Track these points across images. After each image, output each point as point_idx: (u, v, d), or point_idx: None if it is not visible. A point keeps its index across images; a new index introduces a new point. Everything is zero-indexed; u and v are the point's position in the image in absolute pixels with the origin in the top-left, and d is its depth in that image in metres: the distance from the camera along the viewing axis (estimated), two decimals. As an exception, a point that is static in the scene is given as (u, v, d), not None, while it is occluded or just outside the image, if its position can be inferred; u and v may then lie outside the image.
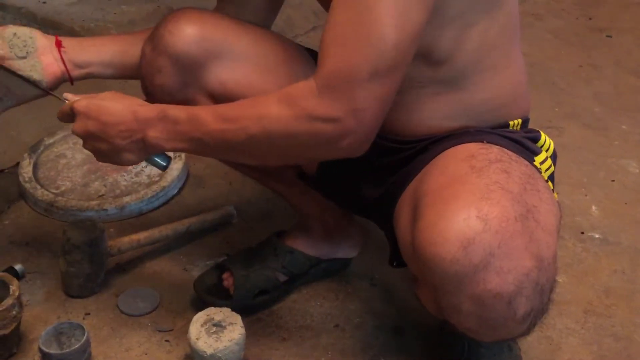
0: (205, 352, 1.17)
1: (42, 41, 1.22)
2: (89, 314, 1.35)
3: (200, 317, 1.21)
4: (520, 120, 1.15)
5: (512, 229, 0.89)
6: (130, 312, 1.35)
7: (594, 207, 1.68)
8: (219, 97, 1.17)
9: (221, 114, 1.02)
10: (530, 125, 1.20)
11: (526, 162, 1.03)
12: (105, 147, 1.09)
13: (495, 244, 0.88)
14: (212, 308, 1.23)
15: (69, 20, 2.48)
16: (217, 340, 1.18)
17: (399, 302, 1.40)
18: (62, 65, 1.23)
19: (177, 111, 1.05)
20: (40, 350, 1.18)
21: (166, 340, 1.30)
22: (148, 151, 1.09)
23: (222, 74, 1.17)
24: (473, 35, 1.04)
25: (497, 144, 1.04)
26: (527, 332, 0.99)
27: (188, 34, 1.15)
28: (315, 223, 1.39)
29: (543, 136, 1.16)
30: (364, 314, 1.37)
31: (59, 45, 1.23)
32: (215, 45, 1.16)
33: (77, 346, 1.18)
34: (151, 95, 1.21)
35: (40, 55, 1.22)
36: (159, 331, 1.32)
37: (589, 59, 2.38)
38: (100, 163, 1.70)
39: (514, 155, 1.02)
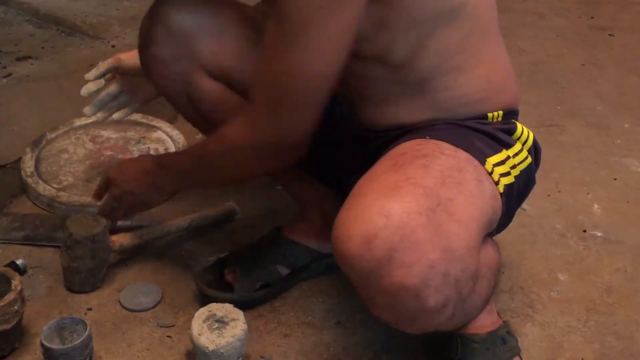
0: (207, 348, 1.17)
1: None
2: (90, 309, 1.35)
3: (202, 313, 1.21)
4: (501, 112, 1.17)
5: (414, 223, 0.91)
6: (132, 308, 1.35)
7: (596, 206, 1.68)
8: (210, 68, 1.24)
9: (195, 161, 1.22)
10: (533, 124, 1.21)
11: (465, 157, 1.05)
12: (133, 200, 1.34)
13: (396, 238, 0.90)
14: (215, 304, 1.23)
15: (71, 15, 2.48)
16: (219, 336, 1.18)
17: (401, 299, 1.40)
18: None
19: (168, 160, 1.29)
20: (42, 345, 1.18)
21: (168, 336, 1.30)
22: (164, 190, 1.31)
23: (214, 45, 1.22)
24: (430, 44, 1.08)
25: (445, 140, 1.06)
26: (452, 323, 1.01)
27: (184, 6, 1.21)
28: (314, 212, 1.40)
29: (519, 127, 1.18)
30: (366, 311, 1.35)
31: None
32: (208, 17, 1.22)
33: (78, 341, 1.18)
34: (147, 68, 1.26)
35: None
36: (161, 327, 1.32)
37: (591, 57, 2.38)
38: (102, 159, 1.73)
39: (449, 150, 1.04)
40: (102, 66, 1.45)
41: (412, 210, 0.92)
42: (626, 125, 2.01)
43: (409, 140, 1.08)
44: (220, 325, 1.20)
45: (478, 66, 1.14)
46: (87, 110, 1.50)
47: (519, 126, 1.18)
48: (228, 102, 1.27)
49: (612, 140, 1.94)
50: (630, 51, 2.43)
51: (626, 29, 2.58)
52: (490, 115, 1.16)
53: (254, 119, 1.08)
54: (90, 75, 1.46)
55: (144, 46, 1.24)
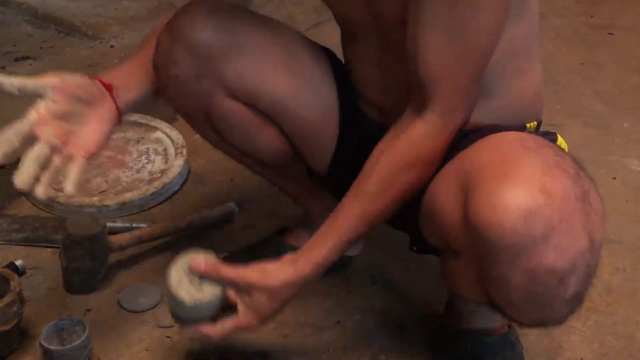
0: (184, 301, 1.10)
1: (95, 88, 1.09)
2: (89, 310, 1.35)
3: (184, 262, 1.12)
4: (535, 123, 1.16)
5: (573, 207, 0.88)
6: (132, 308, 1.35)
7: (595, 205, 1.67)
8: (234, 89, 1.16)
9: (365, 217, 1.08)
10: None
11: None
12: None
13: (556, 219, 0.87)
14: (197, 254, 1.14)
15: (70, 15, 2.47)
16: (198, 292, 1.10)
17: (401, 300, 1.40)
18: (116, 112, 1.11)
19: (324, 252, 1.09)
20: (42, 346, 1.17)
21: (167, 337, 1.30)
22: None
23: (240, 66, 1.15)
24: (499, 45, 1.03)
25: None
26: (564, 318, 0.97)
27: (208, 24, 1.13)
28: (321, 221, 1.38)
29: (559, 138, 1.16)
30: (365, 311, 1.37)
31: (110, 89, 1.11)
32: (234, 36, 1.14)
33: (78, 342, 1.18)
34: (165, 87, 1.18)
35: (99, 106, 1.08)
36: (160, 327, 1.32)
37: (591, 56, 2.38)
38: (101, 159, 1.73)
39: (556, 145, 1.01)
40: (33, 82, 1.03)
41: (571, 194, 0.89)
42: (625, 125, 2.01)
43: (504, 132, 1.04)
44: (202, 279, 1.11)
45: (530, 71, 1.13)
46: (18, 180, 0.97)
47: (558, 136, 1.16)
48: (251, 123, 1.21)
49: (611, 140, 1.93)
50: (629, 50, 2.42)
51: (626, 27, 2.58)
52: (528, 125, 1.14)
53: (445, 111, 1.03)
54: (7, 83, 1.02)
55: (164, 66, 1.15)
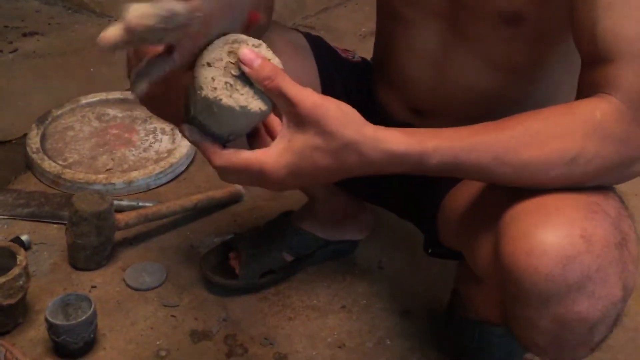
0: (228, 104, 0.76)
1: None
2: (95, 286, 1.34)
3: (224, 50, 0.77)
4: None
5: (611, 255, 0.84)
6: (137, 286, 1.35)
7: (603, 198, 1.67)
8: None
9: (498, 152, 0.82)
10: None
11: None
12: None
13: (594, 267, 0.83)
14: (245, 40, 0.79)
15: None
16: (246, 97, 0.77)
17: (406, 286, 1.39)
18: None
19: (435, 144, 0.81)
20: (47, 321, 1.17)
21: (172, 316, 1.29)
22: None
23: None
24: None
25: None
26: (584, 358, 0.95)
27: None
28: (323, 206, 1.38)
29: None
30: (371, 296, 1.37)
31: (255, 19, 0.86)
32: None
33: (83, 318, 1.18)
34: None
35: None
36: (165, 306, 1.31)
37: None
38: (108, 137, 1.72)
39: None
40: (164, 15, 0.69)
41: (610, 242, 0.84)
42: (635, 118, 1.99)
43: None
44: (243, 82, 0.77)
45: (571, 92, 1.02)
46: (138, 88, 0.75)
47: None
48: None
49: (620, 133, 1.92)
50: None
51: None
52: None
53: (634, 95, 0.82)
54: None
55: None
